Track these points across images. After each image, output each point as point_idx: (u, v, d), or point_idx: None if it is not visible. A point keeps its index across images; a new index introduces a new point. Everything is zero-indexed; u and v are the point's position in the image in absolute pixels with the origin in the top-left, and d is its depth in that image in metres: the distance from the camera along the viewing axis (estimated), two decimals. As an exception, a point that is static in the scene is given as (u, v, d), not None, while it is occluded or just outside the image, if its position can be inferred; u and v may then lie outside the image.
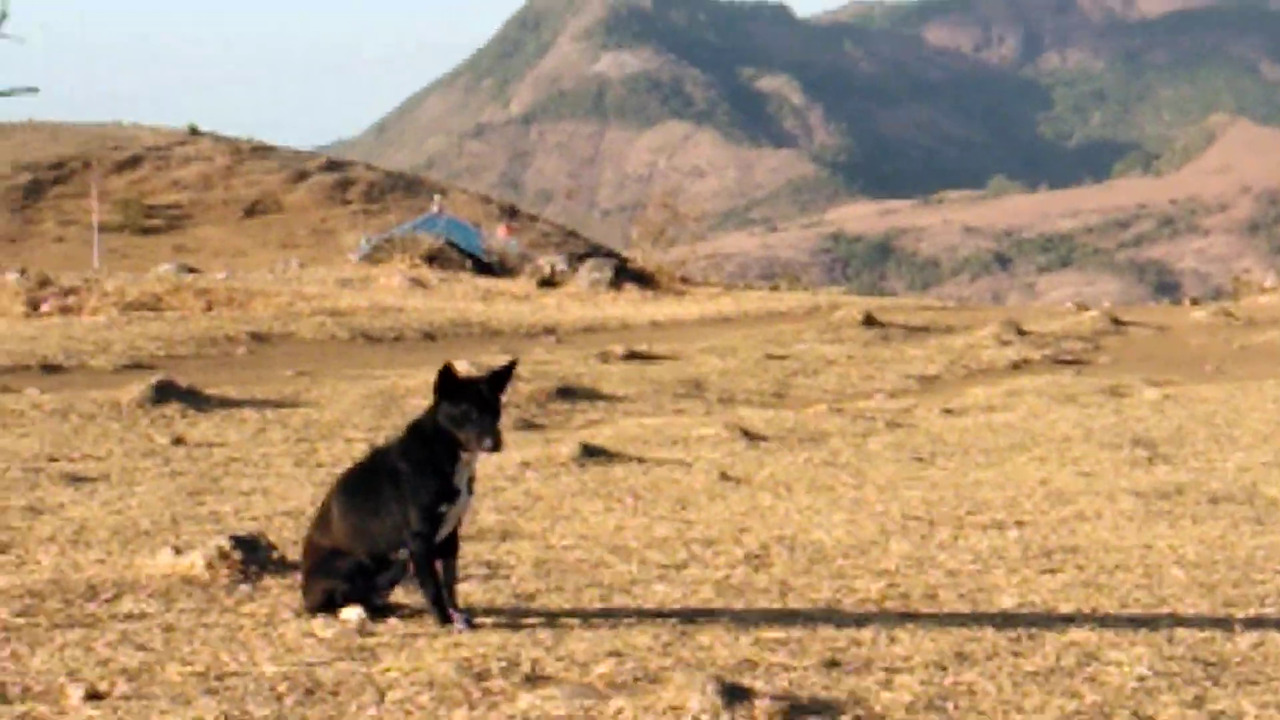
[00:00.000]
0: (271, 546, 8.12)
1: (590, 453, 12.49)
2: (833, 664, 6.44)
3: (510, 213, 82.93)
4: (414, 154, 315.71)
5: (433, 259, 43.56)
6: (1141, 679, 6.36)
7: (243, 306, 28.37)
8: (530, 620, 7.04)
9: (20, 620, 6.95)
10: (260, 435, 14.05)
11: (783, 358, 22.57)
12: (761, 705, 5.79)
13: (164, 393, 15.28)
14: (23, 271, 32.96)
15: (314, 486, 10.84)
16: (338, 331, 24.42)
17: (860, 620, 7.22)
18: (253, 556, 7.94)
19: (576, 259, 44.06)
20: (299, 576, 7.23)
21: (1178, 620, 7.43)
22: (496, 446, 6.81)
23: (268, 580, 7.76)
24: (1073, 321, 29.23)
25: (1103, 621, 7.35)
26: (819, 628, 7.02)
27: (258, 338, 23.08)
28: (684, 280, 41.23)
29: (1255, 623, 7.40)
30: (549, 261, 42.04)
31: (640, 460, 12.60)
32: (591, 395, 17.89)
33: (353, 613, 6.91)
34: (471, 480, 6.95)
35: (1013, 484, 11.71)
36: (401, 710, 5.79)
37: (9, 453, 12.47)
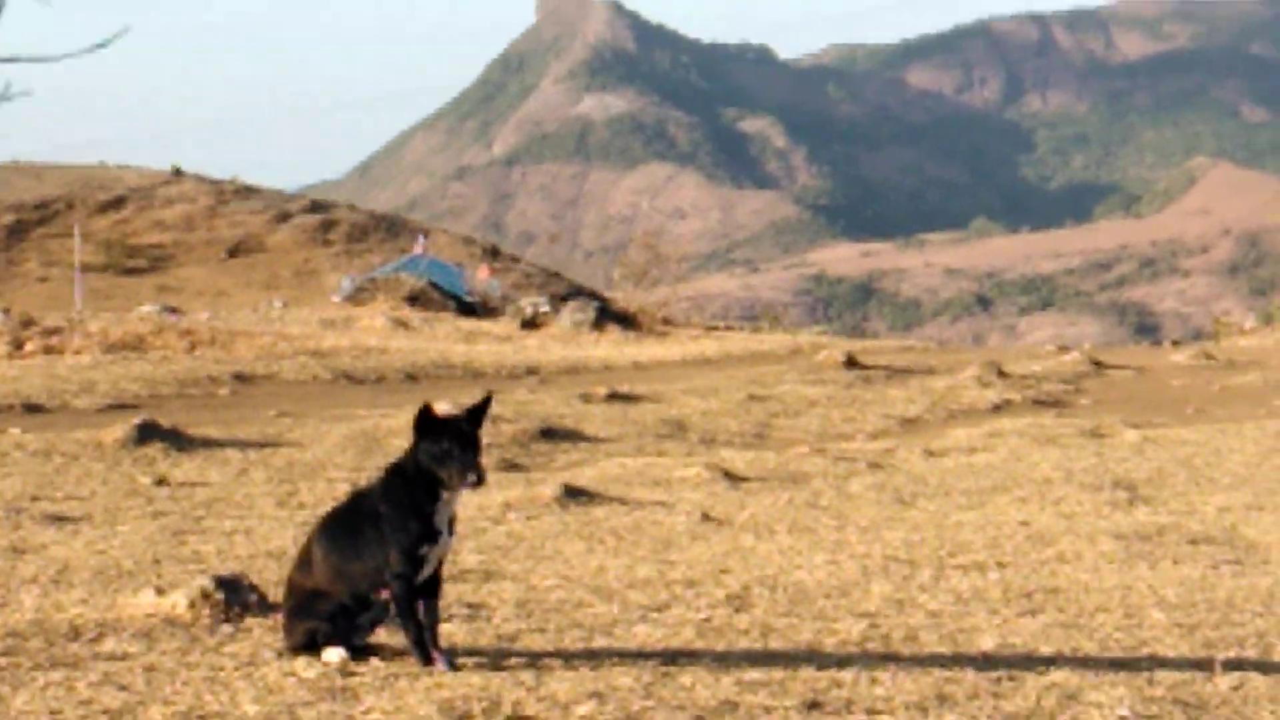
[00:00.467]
0: (253, 587, 8.12)
1: (572, 494, 12.50)
2: (814, 705, 6.45)
3: (493, 254, 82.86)
4: (397, 195, 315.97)
5: (415, 300, 43.61)
6: (1121, 720, 6.38)
7: (225, 347, 28.36)
8: (512, 661, 7.04)
9: (2, 660, 6.94)
10: (243, 476, 14.05)
11: (764, 399, 22.60)
12: (743, 746, 5.79)
13: (147, 433, 15.28)
14: (6, 311, 32.91)
15: (296, 527, 10.84)
16: (320, 372, 24.42)
17: (841, 661, 7.23)
18: (235, 597, 7.94)
19: (559, 300, 44.14)
20: (281, 617, 7.23)
21: (1158, 661, 7.45)
22: (480, 481, 6.82)
23: (250, 621, 7.75)
24: (1054, 363, 29.31)
25: (1083, 663, 7.37)
26: (800, 669, 7.03)
27: (240, 378, 23.07)
28: (666, 321, 41.32)
29: (1235, 664, 7.43)
30: (531, 302, 42.10)
31: (622, 501, 12.61)
32: (574, 436, 17.91)
33: (334, 653, 6.90)
34: (452, 521, 6.96)
35: (993, 525, 11.73)
36: (383, 751, 5.79)
37: (-9, 493, 12.45)
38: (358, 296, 46.46)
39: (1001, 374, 26.34)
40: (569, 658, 7.16)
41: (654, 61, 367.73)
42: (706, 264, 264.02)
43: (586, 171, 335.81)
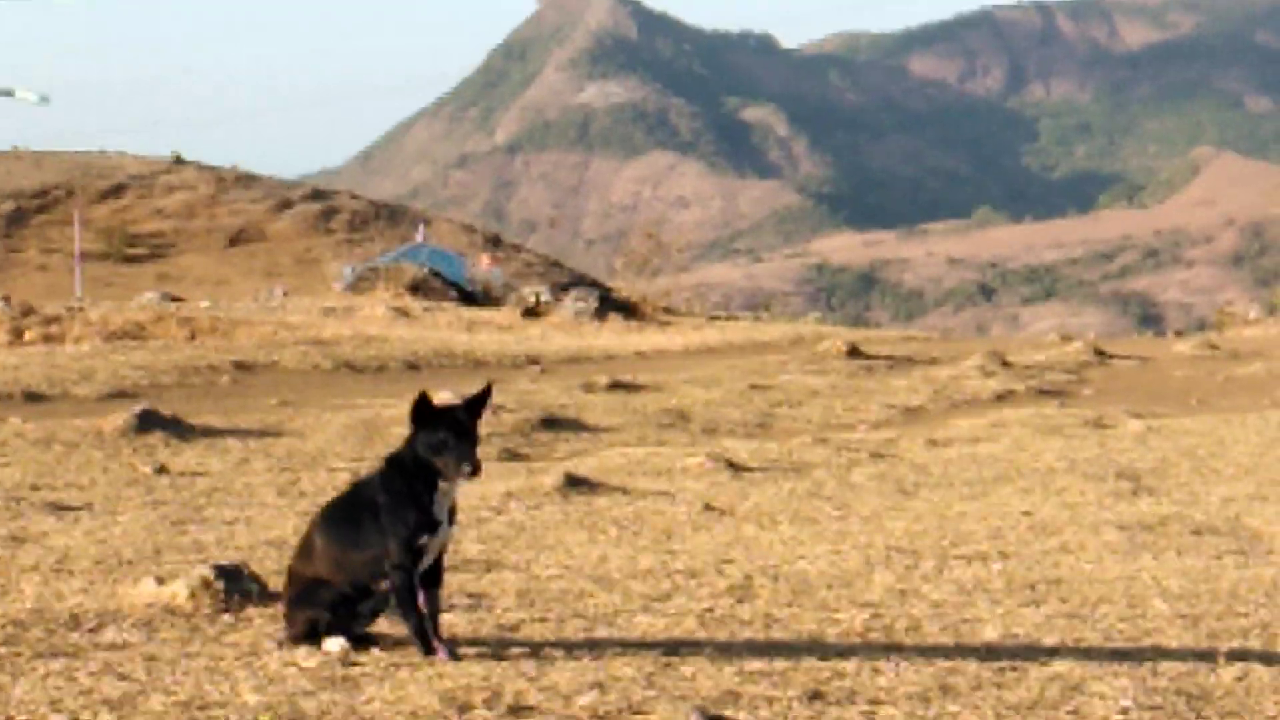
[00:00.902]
0: (254, 576, 8.11)
1: (574, 483, 12.48)
2: (816, 695, 6.43)
3: (494, 242, 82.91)
4: (399, 183, 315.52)
5: (416, 288, 43.57)
6: (1125, 711, 6.36)
7: (226, 336, 28.35)
8: (514, 651, 7.02)
9: (2, 650, 6.93)
10: (243, 465, 14.04)
11: (767, 388, 22.59)
12: (745, 737, 5.78)
13: (147, 422, 15.27)
14: (6, 299, 32.90)
15: (297, 516, 10.82)
16: (321, 361, 24.41)
17: (844, 652, 7.21)
18: (235, 586, 7.92)
19: (561, 289, 44.07)
20: (282, 606, 7.21)
21: (1161, 652, 7.43)
22: (475, 472, 6.79)
23: (250, 610, 7.74)
24: (1057, 353, 29.29)
25: (1086, 653, 7.35)
26: (802, 659, 7.02)
27: (241, 367, 23.06)
28: (668, 310, 41.29)
29: (1239, 655, 7.40)
30: (533, 291, 42.04)
31: (624, 491, 12.59)
32: (575, 425, 17.90)
33: (335, 643, 6.89)
34: (452, 510, 6.94)
35: (996, 515, 11.72)
36: (384, 741, 5.78)
37: (-9, 481, 12.44)
38: (359, 285, 46.44)
39: (1004, 364, 26.31)
40: (571, 648, 7.15)
41: (656, 50, 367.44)
42: (708, 253, 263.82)
43: (588, 160, 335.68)
